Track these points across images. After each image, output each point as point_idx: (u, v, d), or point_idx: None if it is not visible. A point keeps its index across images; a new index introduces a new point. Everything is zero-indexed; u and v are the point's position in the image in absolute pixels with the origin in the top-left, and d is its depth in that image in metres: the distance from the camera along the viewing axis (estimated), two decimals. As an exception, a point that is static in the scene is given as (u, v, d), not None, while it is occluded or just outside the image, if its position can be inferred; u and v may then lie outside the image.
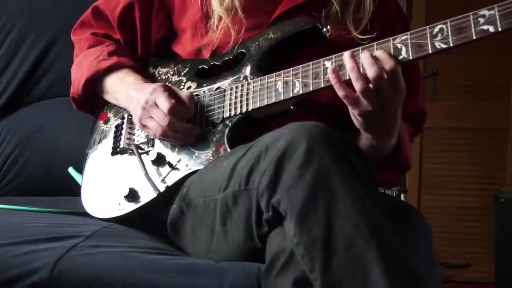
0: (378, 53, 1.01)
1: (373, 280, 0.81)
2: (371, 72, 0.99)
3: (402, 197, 2.74)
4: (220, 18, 1.24)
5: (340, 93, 1.03)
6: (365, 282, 0.82)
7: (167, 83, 1.30)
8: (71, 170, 1.42)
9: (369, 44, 1.04)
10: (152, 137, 1.24)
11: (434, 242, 1.22)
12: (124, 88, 1.27)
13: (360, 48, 1.05)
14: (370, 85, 1.00)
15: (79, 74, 1.34)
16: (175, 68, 1.32)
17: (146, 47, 1.38)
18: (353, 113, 1.06)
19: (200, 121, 1.21)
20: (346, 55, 1.03)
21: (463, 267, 3.01)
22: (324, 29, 1.19)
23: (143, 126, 1.21)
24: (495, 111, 3.09)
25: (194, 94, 1.25)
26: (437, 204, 3.13)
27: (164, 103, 1.16)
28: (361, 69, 1.01)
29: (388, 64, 0.99)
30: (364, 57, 1.01)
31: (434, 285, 1.09)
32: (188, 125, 1.18)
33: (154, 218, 1.20)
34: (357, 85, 1.01)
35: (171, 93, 1.19)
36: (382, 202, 0.91)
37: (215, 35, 1.25)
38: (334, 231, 0.85)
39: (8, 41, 1.76)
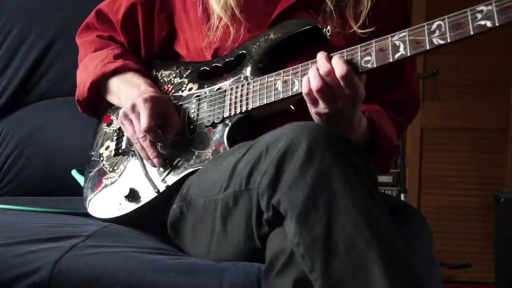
0: (335, 58, 1.03)
1: (374, 280, 0.81)
2: (321, 71, 1.02)
3: (402, 197, 2.74)
4: (220, 18, 1.24)
5: (303, 89, 1.05)
6: (365, 282, 0.82)
7: (169, 85, 1.30)
8: (74, 172, 1.43)
9: (367, 42, 1.05)
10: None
11: (434, 242, 1.22)
12: (128, 89, 1.27)
13: (332, 54, 1.06)
14: (326, 86, 1.02)
15: (84, 76, 1.34)
16: (177, 71, 1.32)
17: (149, 48, 1.38)
18: (312, 112, 1.08)
19: (200, 123, 1.21)
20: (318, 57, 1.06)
21: (463, 267, 3.01)
22: (325, 30, 1.19)
23: (122, 124, 1.21)
24: (495, 111, 3.09)
25: (195, 95, 1.25)
26: (437, 204, 3.13)
27: (143, 120, 1.15)
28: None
29: (339, 69, 1.02)
30: (319, 57, 1.04)
31: (434, 285, 1.09)
32: (155, 151, 1.17)
33: (154, 218, 1.20)
34: (313, 83, 1.03)
35: (155, 113, 1.16)
36: (382, 202, 0.91)
37: (216, 35, 1.25)
38: (334, 231, 0.85)
39: (8, 41, 1.76)
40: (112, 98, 1.33)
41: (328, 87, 1.03)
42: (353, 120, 1.10)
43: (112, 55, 1.33)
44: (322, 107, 1.05)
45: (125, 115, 1.19)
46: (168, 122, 1.20)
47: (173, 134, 1.20)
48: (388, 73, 1.24)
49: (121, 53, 1.34)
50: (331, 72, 1.02)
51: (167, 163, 1.20)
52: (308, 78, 1.05)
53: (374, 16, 1.22)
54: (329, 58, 1.04)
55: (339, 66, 1.02)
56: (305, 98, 1.06)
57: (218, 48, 1.27)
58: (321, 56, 1.05)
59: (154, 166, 1.20)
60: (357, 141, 1.12)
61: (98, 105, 1.38)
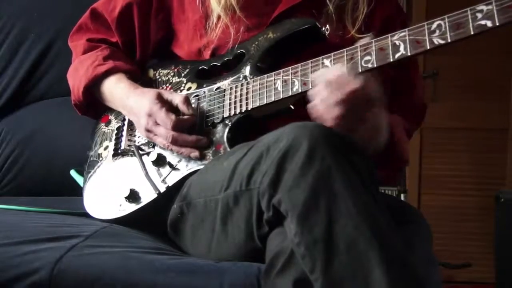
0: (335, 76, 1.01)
1: (374, 280, 0.81)
2: (330, 101, 1.00)
3: (402, 197, 2.73)
4: (219, 17, 1.24)
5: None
6: (366, 282, 0.82)
7: (167, 85, 1.30)
8: (72, 172, 1.43)
9: (367, 42, 1.04)
10: None
11: (434, 242, 1.22)
12: (120, 97, 1.27)
13: (332, 54, 1.06)
14: (346, 108, 1.00)
15: (77, 80, 1.34)
16: (176, 70, 1.32)
17: (144, 48, 1.38)
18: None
19: (200, 122, 1.21)
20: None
21: (463, 267, 3.00)
22: (323, 28, 1.19)
23: (152, 140, 1.23)
24: (495, 111, 3.09)
25: (194, 94, 1.25)
26: (437, 204, 3.12)
27: (166, 121, 1.17)
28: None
29: (349, 86, 1.00)
30: (320, 88, 1.02)
31: (434, 285, 1.09)
32: (192, 138, 1.18)
33: (154, 219, 1.20)
34: (334, 111, 1.01)
35: (168, 107, 1.18)
36: (382, 203, 0.91)
37: (214, 34, 1.25)
38: (335, 231, 0.85)
39: (8, 41, 1.76)
40: (108, 104, 1.33)
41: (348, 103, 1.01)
42: (376, 126, 1.08)
43: (101, 57, 1.32)
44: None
45: (149, 135, 1.21)
46: (178, 106, 1.20)
47: (190, 110, 1.19)
48: (395, 80, 1.24)
49: (110, 54, 1.34)
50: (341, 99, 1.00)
51: (167, 164, 1.20)
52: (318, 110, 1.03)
53: (371, 23, 1.22)
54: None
55: (346, 82, 1.00)
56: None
57: (216, 48, 1.26)
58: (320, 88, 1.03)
59: (198, 159, 1.17)
60: (380, 146, 1.11)
61: (96, 107, 1.38)
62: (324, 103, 1.01)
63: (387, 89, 1.24)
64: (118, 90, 1.28)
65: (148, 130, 1.20)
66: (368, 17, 1.22)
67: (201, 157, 1.17)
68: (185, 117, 1.19)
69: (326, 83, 1.02)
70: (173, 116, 1.17)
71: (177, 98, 1.20)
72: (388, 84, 1.23)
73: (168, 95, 1.22)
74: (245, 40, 1.24)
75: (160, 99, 1.20)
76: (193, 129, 1.20)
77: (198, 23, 1.29)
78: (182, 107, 1.19)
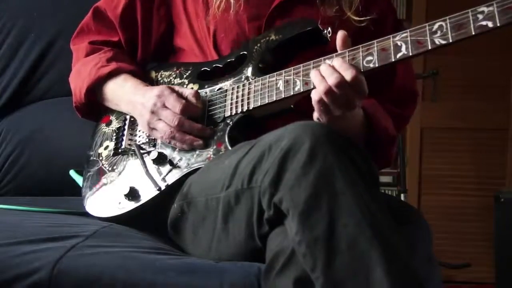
0: (338, 63, 1.03)
1: (375, 279, 0.81)
2: (331, 80, 1.01)
3: (402, 197, 2.74)
4: None
5: (314, 96, 1.04)
6: (367, 282, 0.82)
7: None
8: (72, 173, 1.43)
9: (369, 42, 1.05)
10: (157, 139, 1.24)
11: (434, 242, 1.22)
12: (125, 94, 1.28)
13: (334, 54, 1.07)
14: (334, 89, 1.01)
15: (79, 82, 1.34)
16: (178, 71, 1.32)
17: (146, 44, 1.38)
18: (321, 117, 1.07)
19: (201, 121, 1.21)
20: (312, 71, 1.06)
21: (463, 267, 3.01)
22: (325, 31, 1.20)
23: (151, 129, 1.22)
24: (495, 111, 3.09)
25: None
26: (437, 204, 3.13)
27: (175, 104, 1.17)
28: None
29: (348, 74, 1.01)
30: (323, 68, 1.03)
31: (434, 285, 1.09)
32: (198, 125, 1.19)
33: (154, 218, 1.20)
34: (320, 86, 1.02)
35: (179, 94, 1.20)
36: (384, 202, 0.91)
37: (217, 13, 1.25)
38: (336, 230, 0.85)
39: (8, 41, 1.76)
40: (110, 105, 1.33)
41: (340, 93, 1.02)
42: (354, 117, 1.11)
43: (104, 58, 1.32)
44: (336, 112, 1.05)
45: (151, 119, 1.20)
46: (188, 97, 1.21)
47: (199, 104, 1.21)
48: (380, 72, 1.25)
49: (114, 56, 1.34)
50: (342, 80, 1.01)
51: (168, 162, 1.20)
52: (316, 86, 1.04)
53: (369, 8, 1.23)
54: (331, 65, 1.03)
55: (347, 69, 1.01)
56: (316, 106, 1.05)
57: (217, 24, 1.26)
58: (323, 66, 1.04)
59: (200, 147, 1.18)
60: (353, 130, 1.13)
61: (97, 109, 1.38)
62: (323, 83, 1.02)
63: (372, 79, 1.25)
64: (123, 89, 1.28)
65: (153, 112, 1.19)
66: (366, 3, 1.23)
67: (205, 146, 1.17)
68: (194, 106, 1.20)
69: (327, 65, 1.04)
70: (183, 100, 1.18)
71: (187, 91, 1.22)
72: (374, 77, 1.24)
73: (178, 88, 1.23)
74: (245, 29, 1.25)
75: (171, 88, 1.21)
76: None
77: (199, 13, 1.29)
78: (192, 99, 1.20)
